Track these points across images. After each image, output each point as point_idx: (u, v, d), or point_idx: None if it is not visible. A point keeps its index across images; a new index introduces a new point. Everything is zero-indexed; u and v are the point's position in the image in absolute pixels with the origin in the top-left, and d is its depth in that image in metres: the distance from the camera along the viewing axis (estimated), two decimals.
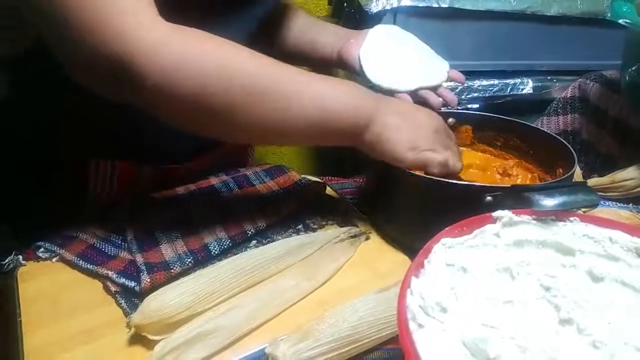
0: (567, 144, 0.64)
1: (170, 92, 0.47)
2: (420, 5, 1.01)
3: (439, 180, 0.56)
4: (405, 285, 0.35)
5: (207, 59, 0.48)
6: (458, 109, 0.78)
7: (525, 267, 0.41)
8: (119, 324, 0.49)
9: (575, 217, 0.44)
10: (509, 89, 1.17)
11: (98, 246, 0.58)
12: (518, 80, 1.17)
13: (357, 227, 0.65)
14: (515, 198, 0.46)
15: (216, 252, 0.58)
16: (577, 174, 0.81)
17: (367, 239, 0.64)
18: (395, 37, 0.79)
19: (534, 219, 0.44)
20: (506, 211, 0.43)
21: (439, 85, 0.75)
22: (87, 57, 0.46)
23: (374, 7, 1.01)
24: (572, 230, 0.43)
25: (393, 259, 0.60)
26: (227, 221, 0.62)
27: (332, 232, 0.63)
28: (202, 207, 0.65)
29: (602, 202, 0.75)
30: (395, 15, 1.02)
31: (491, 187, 0.53)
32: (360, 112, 0.55)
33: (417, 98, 0.72)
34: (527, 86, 1.18)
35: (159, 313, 0.46)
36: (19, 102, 0.63)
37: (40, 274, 0.56)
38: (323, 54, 0.79)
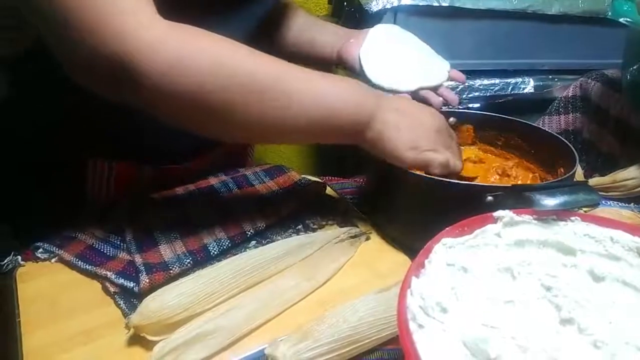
0: (568, 143, 0.64)
1: (168, 90, 0.47)
2: (420, 4, 1.01)
3: (440, 180, 0.56)
4: (405, 285, 0.35)
5: (205, 57, 0.47)
6: (459, 109, 0.78)
7: (526, 266, 0.41)
8: (117, 324, 0.49)
9: (577, 217, 0.43)
10: (510, 88, 1.16)
11: (97, 247, 0.58)
12: (519, 80, 1.17)
13: (357, 227, 0.65)
14: (516, 198, 0.46)
15: (215, 253, 0.58)
16: (579, 173, 0.81)
17: (368, 239, 0.63)
18: (395, 37, 0.78)
19: (534, 219, 0.43)
20: (507, 211, 0.43)
21: (440, 85, 0.75)
22: (86, 57, 0.46)
23: (374, 6, 1.00)
24: (573, 230, 0.43)
25: (393, 259, 0.60)
26: (226, 222, 0.62)
27: (332, 232, 0.63)
28: (201, 208, 0.65)
29: (603, 201, 0.75)
30: (395, 14, 1.02)
31: (492, 186, 0.53)
32: (362, 109, 0.55)
33: (418, 98, 0.72)
34: (529, 85, 1.17)
35: (158, 314, 0.46)
36: (19, 102, 0.63)
37: (39, 275, 0.56)
38: (323, 54, 0.78)
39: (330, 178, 0.78)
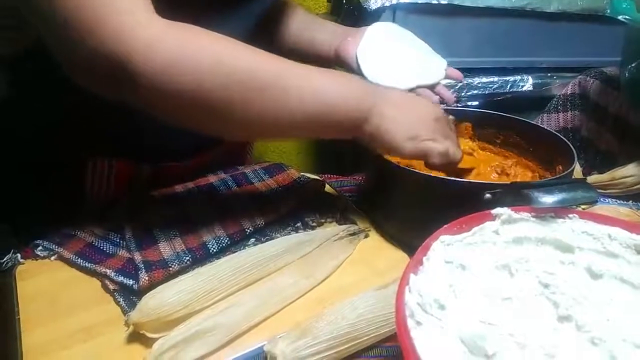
0: (566, 141, 0.64)
1: (166, 89, 0.47)
2: (419, 1, 1.01)
3: (438, 178, 0.56)
4: (403, 282, 0.35)
5: (204, 55, 0.47)
6: (458, 106, 0.79)
7: (524, 264, 0.41)
8: (117, 322, 0.49)
9: (575, 214, 0.44)
10: (508, 86, 1.17)
11: (96, 244, 0.58)
12: (518, 77, 1.17)
13: (356, 224, 0.65)
14: (515, 195, 0.46)
15: (215, 251, 0.58)
16: (577, 171, 0.81)
17: (366, 236, 0.64)
18: (393, 35, 0.79)
19: (533, 216, 0.43)
20: (505, 208, 0.43)
21: (437, 83, 0.75)
22: (85, 57, 0.46)
23: (373, 4, 1.01)
24: (571, 227, 0.43)
25: (392, 257, 0.60)
26: (225, 219, 0.62)
27: (331, 229, 0.63)
28: (200, 206, 0.65)
29: (602, 199, 0.75)
30: (394, 12, 1.02)
31: (490, 184, 0.53)
32: (360, 104, 0.55)
33: None
34: (527, 83, 1.18)
35: (158, 311, 0.46)
36: (19, 101, 0.63)
37: (39, 272, 0.56)
38: (321, 52, 0.78)
39: (329, 176, 0.78)
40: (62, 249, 0.57)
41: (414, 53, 0.77)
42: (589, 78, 0.94)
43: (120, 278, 0.53)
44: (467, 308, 0.36)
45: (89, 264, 0.55)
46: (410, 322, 0.32)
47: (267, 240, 0.61)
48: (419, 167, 0.65)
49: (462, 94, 1.12)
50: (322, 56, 0.78)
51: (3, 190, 0.66)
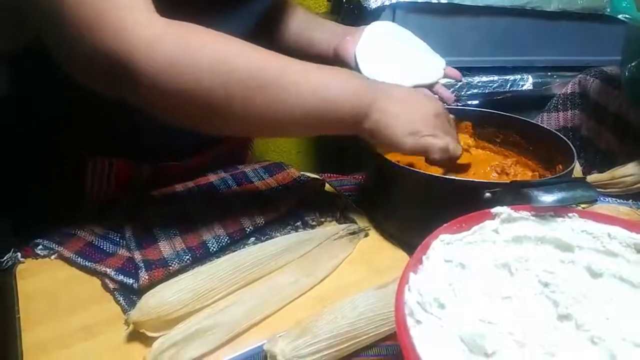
0: (566, 140, 0.64)
1: (167, 88, 0.47)
2: (419, 0, 1.01)
3: (438, 177, 0.56)
4: (403, 281, 0.35)
5: (204, 54, 0.47)
6: (458, 105, 0.78)
7: (524, 263, 0.41)
8: (117, 321, 0.49)
9: (574, 213, 0.44)
10: (508, 85, 1.17)
11: (96, 243, 0.58)
12: (518, 77, 1.17)
13: (356, 223, 0.65)
14: (514, 194, 0.46)
15: (214, 250, 0.58)
16: (577, 170, 0.81)
17: (366, 235, 0.64)
18: (391, 34, 0.79)
19: (532, 215, 0.43)
20: (505, 207, 0.43)
21: (435, 83, 0.75)
22: (85, 54, 0.46)
23: (373, 3, 1.01)
24: (570, 226, 0.43)
25: (392, 256, 0.60)
26: (225, 218, 0.62)
27: (330, 229, 0.63)
28: (200, 205, 0.65)
29: (601, 198, 0.75)
30: (394, 11, 1.02)
31: (490, 183, 0.53)
32: (361, 100, 0.55)
33: None
34: (527, 82, 1.18)
35: (158, 310, 0.46)
36: (19, 98, 0.63)
37: (39, 271, 0.56)
38: (320, 51, 0.78)
39: (329, 175, 0.78)
40: (62, 248, 0.57)
41: (412, 52, 0.77)
42: (589, 77, 0.94)
43: (120, 277, 0.53)
44: (466, 307, 0.36)
45: (89, 263, 0.55)
46: (409, 321, 0.32)
47: (267, 239, 0.61)
48: (419, 165, 0.65)
49: (462, 93, 1.12)
50: (322, 55, 0.78)
51: (3, 186, 0.66)
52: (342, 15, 1.14)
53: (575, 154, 0.60)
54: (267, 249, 0.56)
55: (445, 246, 0.39)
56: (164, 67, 0.46)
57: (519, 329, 0.35)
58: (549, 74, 1.18)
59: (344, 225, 0.63)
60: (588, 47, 1.16)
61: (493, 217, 0.43)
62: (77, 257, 0.56)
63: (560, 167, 0.63)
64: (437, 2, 1.02)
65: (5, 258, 0.57)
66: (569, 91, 0.97)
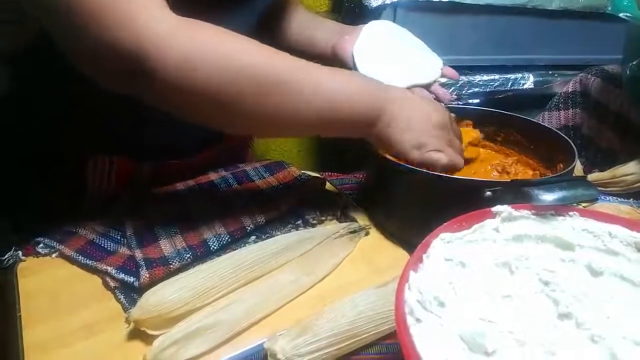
0: (567, 138, 0.64)
1: (180, 84, 0.47)
2: None
3: (439, 176, 0.56)
4: (403, 280, 0.35)
5: (216, 50, 0.48)
6: (458, 104, 0.78)
7: (524, 261, 0.41)
8: (118, 319, 0.49)
9: (575, 212, 0.44)
10: (509, 84, 1.17)
11: (97, 242, 0.58)
12: (519, 75, 1.17)
13: (357, 222, 0.65)
14: (515, 193, 0.46)
15: (215, 248, 0.58)
16: (578, 169, 0.81)
17: (367, 234, 0.64)
18: (389, 33, 0.78)
19: (533, 214, 0.43)
20: (505, 206, 0.43)
21: (433, 82, 0.75)
22: (93, 45, 0.45)
23: (374, 2, 1.01)
24: (571, 225, 0.43)
25: (392, 254, 0.60)
26: (226, 217, 0.62)
27: (331, 227, 0.63)
28: (201, 203, 0.65)
29: (602, 197, 0.75)
30: (395, 9, 1.02)
31: (491, 182, 0.53)
32: (373, 104, 0.55)
33: None
34: (528, 81, 1.17)
35: (158, 308, 0.46)
36: (19, 96, 0.63)
37: (40, 270, 0.56)
38: (318, 50, 0.79)
39: (329, 174, 0.78)
40: (63, 247, 0.57)
41: (410, 52, 0.77)
42: (590, 76, 0.94)
43: (121, 275, 0.53)
44: (467, 305, 0.36)
45: (90, 262, 0.55)
46: (410, 320, 0.32)
47: (267, 237, 0.61)
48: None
49: (463, 92, 1.12)
50: (321, 54, 0.78)
51: (4, 185, 0.66)
52: (343, 14, 1.14)
53: (576, 153, 0.60)
54: (268, 248, 0.56)
55: (445, 245, 0.39)
56: (178, 63, 0.46)
57: (519, 327, 0.35)
58: (550, 72, 1.18)
59: (344, 224, 0.63)
60: (589, 46, 1.16)
61: (493, 215, 0.43)
62: (78, 256, 0.56)
63: (561, 165, 0.63)
64: (438, 0, 1.02)
65: (6, 256, 0.57)
66: (570, 90, 0.97)
